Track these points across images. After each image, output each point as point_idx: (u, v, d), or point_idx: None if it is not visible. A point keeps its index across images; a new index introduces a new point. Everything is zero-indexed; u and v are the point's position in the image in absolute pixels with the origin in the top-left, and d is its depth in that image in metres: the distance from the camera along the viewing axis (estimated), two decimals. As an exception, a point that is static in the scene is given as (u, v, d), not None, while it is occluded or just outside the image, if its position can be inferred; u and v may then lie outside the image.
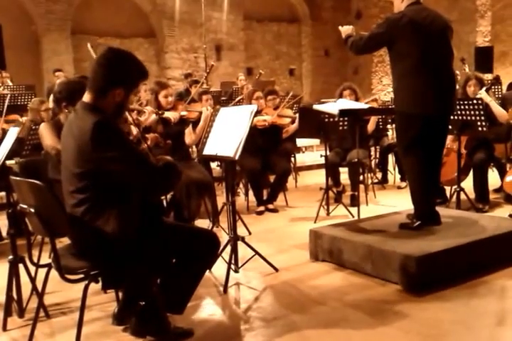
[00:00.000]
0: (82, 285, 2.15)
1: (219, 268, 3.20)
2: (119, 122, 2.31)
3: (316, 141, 8.76)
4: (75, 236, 2.21)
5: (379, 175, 6.53)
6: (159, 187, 2.26)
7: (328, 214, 4.76)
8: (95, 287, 2.36)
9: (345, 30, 3.66)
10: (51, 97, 4.69)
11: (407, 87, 3.36)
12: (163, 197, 4.08)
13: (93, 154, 2.06)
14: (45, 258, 2.78)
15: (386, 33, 3.34)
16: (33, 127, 4.22)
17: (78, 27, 10.64)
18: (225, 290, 3.02)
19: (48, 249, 2.18)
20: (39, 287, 2.54)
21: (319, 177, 5.98)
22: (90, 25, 10.77)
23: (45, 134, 3.69)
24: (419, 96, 3.32)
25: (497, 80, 6.93)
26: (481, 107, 4.26)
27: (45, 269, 2.41)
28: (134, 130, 2.49)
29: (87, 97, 2.21)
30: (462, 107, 4.33)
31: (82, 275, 2.14)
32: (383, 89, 11.71)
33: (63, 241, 2.42)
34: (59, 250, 2.20)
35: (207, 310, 2.82)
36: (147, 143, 2.48)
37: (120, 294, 2.60)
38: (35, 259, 2.43)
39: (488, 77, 9.40)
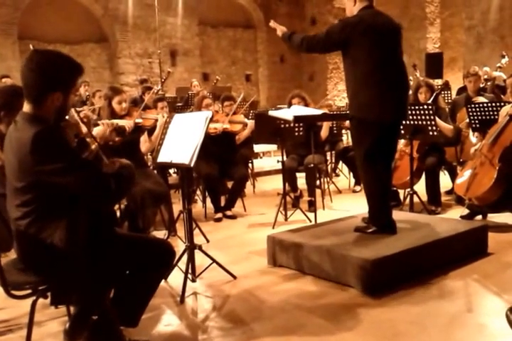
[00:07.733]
0: (31, 300, 2.06)
1: (175, 277, 3.15)
2: (66, 124, 2.21)
3: (273, 147, 8.79)
4: (20, 250, 2.12)
5: (335, 179, 6.62)
6: (109, 195, 2.14)
7: (286, 219, 4.77)
8: (46, 301, 2.27)
9: (280, 25, 3.58)
10: None
11: (364, 93, 3.28)
12: (116, 207, 3.99)
13: (34, 167, 1.97)
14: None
15: (343, 36, 3.23)
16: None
17: (26, 32, 10.29)
18: (182, 300, 2.96)
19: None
20: (-16, 304, 2.43)
21: (277, 182, 6.00)
22: (39, 31, 10.45)
23: None
24: (376, 104, 3.26)
25: (446, 85, 7.17)
26: (431, 112, 4.38)
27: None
28: (84, 128, 2.40)
29: (26, 107, 2.10)
30: (414, 112, 4.43)
31: (29, 291, 2.05)
32: (338, 95, 11.93)
33: (9, 255, 2.32)
34: (4, 265, 2.10)
35: (163, 320, 2.75)
36: (98, 142, 2.40)
37: (71, 308, 2.51)
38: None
39: (438, 82, 9.72)
